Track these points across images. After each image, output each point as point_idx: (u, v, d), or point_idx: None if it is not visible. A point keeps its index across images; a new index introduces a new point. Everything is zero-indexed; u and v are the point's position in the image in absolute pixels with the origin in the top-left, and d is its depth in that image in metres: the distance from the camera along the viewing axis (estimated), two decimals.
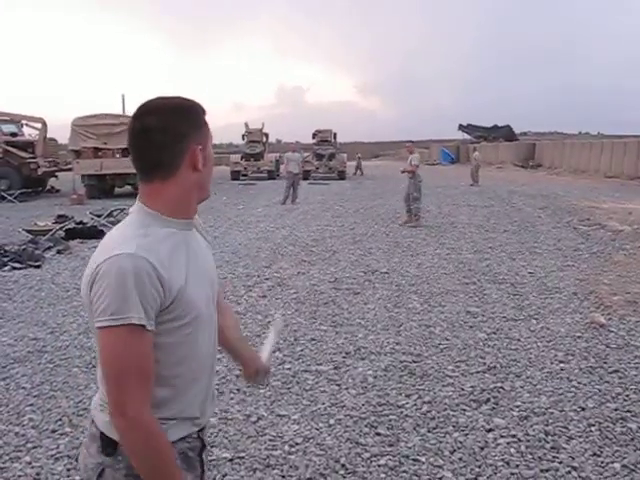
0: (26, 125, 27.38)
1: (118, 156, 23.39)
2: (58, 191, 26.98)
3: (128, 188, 24.35)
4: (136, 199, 1.77)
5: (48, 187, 27.80)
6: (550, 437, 4.13)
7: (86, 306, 1.64)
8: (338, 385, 5.09)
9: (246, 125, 37.61)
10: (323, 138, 37.01)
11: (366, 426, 4.34)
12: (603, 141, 38.26)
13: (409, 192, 14.66)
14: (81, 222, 14.28)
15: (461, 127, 61.71)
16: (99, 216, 14.58)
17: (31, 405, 4.78)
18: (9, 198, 22.62)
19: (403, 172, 15.07)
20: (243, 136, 37.55)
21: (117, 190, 24.83)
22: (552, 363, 5.52)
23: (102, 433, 1.68)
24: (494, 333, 6.38)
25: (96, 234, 13.11)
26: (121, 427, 1.58)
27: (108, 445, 1.66)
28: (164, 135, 1.65)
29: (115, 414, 1.57)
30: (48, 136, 27.11)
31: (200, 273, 1.75)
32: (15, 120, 27.12)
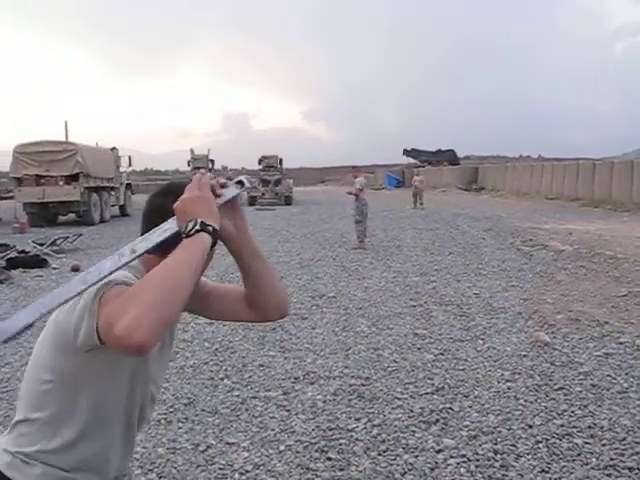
0: None
1: (61, 184, 22.99)
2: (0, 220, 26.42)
3: (72, 216, 23.98)
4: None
5: None
6: (499, 455, 4.16)
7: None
8: (288, 411, 5.05)
9: (192, 151, 37.55)
10: (269, 164, 37.08)
11: (316, 451, 4.31)
12: (544, 164, 39.19)
13: (354, 215, 14.83)
14: (23, 251, 13.95)
15: (406, 152, 62.49)
16: (42, 245, 14.29)
17: None
18: None
19: (349, 193, 15.30)
20: (189, 162, 37.47)
21: (61, 218, 24.41)
22: (499, 382, 5.58)
23: (2, 473, 1.62)
24: (442, 354, 6.43)
25: (38, 263, 12.84)
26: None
27: None
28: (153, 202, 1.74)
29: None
30: None
31: None
32: None
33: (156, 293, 1.37)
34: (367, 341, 6.97)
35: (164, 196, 1.73)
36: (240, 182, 1.69)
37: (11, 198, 24.73)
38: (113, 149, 28.21)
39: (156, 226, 1.61)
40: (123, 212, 28.75)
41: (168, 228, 1.57)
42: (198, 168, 36.17)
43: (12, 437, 1.67)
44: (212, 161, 37.99)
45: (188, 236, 1.49)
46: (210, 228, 1.52)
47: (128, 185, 30.19)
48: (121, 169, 28.98)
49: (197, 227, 1.49)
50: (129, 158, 30.43)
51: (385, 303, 8.81)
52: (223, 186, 1.65)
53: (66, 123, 26.90)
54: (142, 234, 1.64)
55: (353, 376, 5.82)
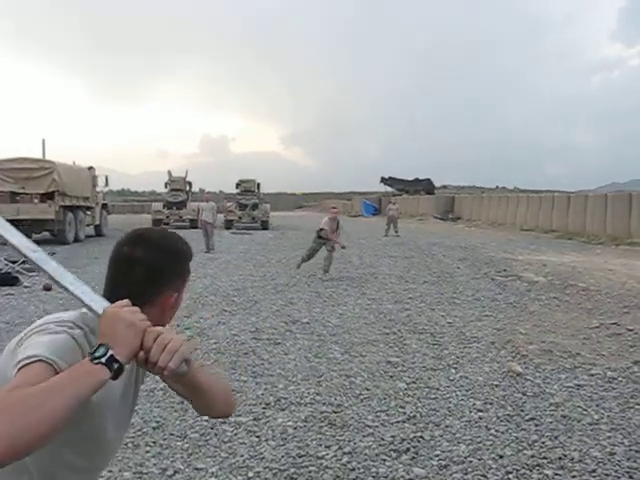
0: None
1: (36, 201, 22.78)
2: None
3: (45, 234, 23.75)
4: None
5: None
6: None
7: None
8: (257, 437, 5.00)
9: (169, 173, 37.41)
10: (246, 188, 37.17)
11: (285, 478, 4.26)
12: (519, 195, 39.62)
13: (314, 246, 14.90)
14: None
15: (383, 180, 62.85)
16: (14, 262, 14.10)
17: None
18: None
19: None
20: (166, 184, 37.31)
21: (34, 236, 24.13)
22: (471, 412, 5.56)
23: None
24: (414, 382, 6.41)
25: (10, 281, 12.68)
26: None
27: None
28: (148, 272, 1.68)
29: None
30: None
31: None
32: None
33: (24, 418, 1.21)
34: (340, 368, 6.93)
35: (131, 247, 1.72)
36: (187, 360, 1.48)
37: None
38: (90, 168, 28.05)
39: (122, 275, 1.68)
40: (98, 232, 28.54)
41: (93, 304, 1.52)
42: (175, 190, 36.11)
43: None
44: (190, 183, 37.87)
45: (92, 360, 1.37)
46: (116, 366, 1.38)
47: (104, 205, 30.03)
48: (97, 189, 28.82)
49: (103, 360, 1.36)
50: (106, 178, 30.28)
51: (359, 330, 8.78)
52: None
53: (43, 141, 26.77)
54: (108, 281, 1.71)
55: (325, 403, 5.78)
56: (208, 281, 13.48)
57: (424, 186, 59.23)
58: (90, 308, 1.53)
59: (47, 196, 22.99)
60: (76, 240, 24.36)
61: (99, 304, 1.52)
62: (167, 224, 34.65)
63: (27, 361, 1.39)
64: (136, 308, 1.49)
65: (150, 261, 1.69)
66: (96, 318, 1.51)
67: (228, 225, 34.43)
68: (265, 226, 34.45)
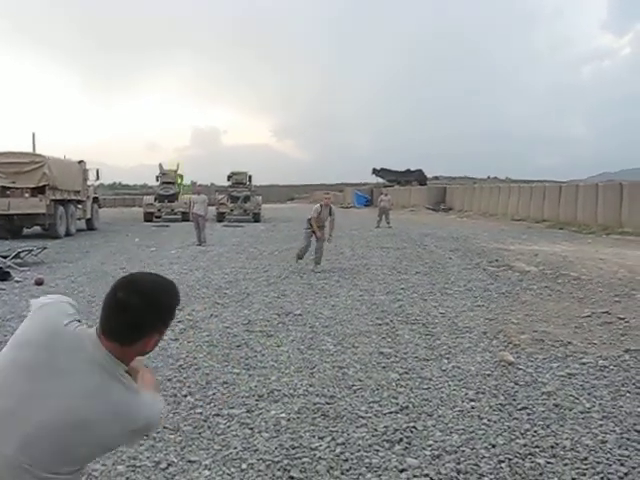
0: None
1: (27, 196, 22.64)
2: None
3: (37, 229, 23.66)
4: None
5: None
6: (462, 475, 4.15)
7: None
8: (251, 429, 5.00)
9: (160, 166, 37.34)
10: (238, 180, 37.08)
11: (279, 470, 4.27)
12: (511, 185, 39.70)
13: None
14: None
15: (375, 171, 62.83)
16: (5, 257, 14.05)
17: None
18: None
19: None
20: (157, 177, 37.23)
21: (25, 231, 24.07)
22: (463, 402, 5.58)
23: None
24: (406, 373, 6.42)
25: (1, 276, 12.63)
26: None
27: None
28: (137, 322, 1.92)
29: None
30: None
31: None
32: None
33: None
34: (332, 359, 6.94)
35: (125, 293, 1.93)
36: None
37: None
38: (81, 162, 27.92)
39: (115, 318, 1.92)
40: (90, 226, 28.46)
41: None
42: (167, 183, 36.04)
43: None
44: (181, 176, 37.82)
45: None
46: None
47: (95, 199, 29.91)
48: (88, 182, 28.70)
49: None
50: (97, 171, 30.17)
51: (351, 321, 8.79)
52: None
53: (34, 135, 26.58)
54: (103, 320, 1.93)
55: (317, 394, 5.79)
56: (200, 274, 13.47)
57: (416, 177, 59.28)
58: None
59: (38, 190, 22.85)
60: (67, 234, 24.25)
61: None
62: (159, 217, 34.61)
63: None
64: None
65: (140, 313, 1.92)
66: None
67: (220, 218, 34.37)
68: (257, 218, 34.42)
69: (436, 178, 70.65)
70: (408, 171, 61.45)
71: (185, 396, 5.76)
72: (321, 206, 14.40)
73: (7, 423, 1.80)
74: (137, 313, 1.90)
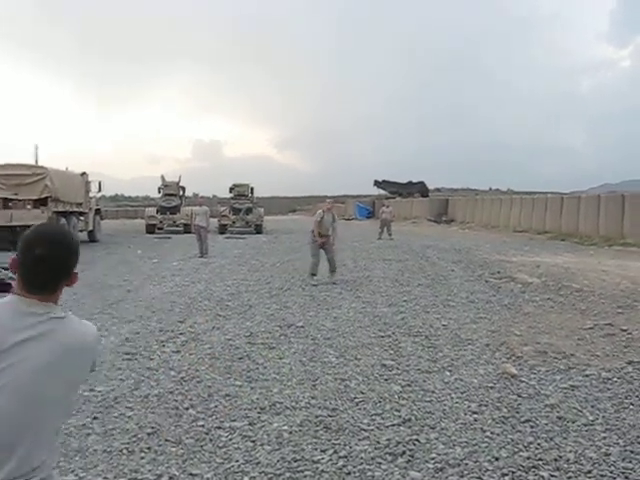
0: None
1: (29, 207, 22.68)
2: None
3: None
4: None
5: None
6: None
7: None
8: (253, 441, 4.99)
9: (162, 178, 37.41)
10: (240, 192, 37.12)
11: None
12: (513, 197, 39.69)
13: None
14: None
15: (377, 183, 62.87)
16: (6, 269, 14.02)
17: None
18: None
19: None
20: (159, 189, 37.28)
21: None
22: (466, 414, 5.56)
23: None
24: (409, 385, 6.41)
25: (3, 287, 12.60)
26: None
27: None
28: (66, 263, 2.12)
29: None
30: None
31: None
32: None
33: None
34: (334, 372, 6.93)
35: (41, 249, 2.07)
36: None
37: None
38: (83, 174, 27.99)
39: (42, 271, 2.06)
40: (92, 238, 28.45)
41: None
42: (169, 195, 36.09)
43: None
44: (183, 188, 37.87)
45: None
46: None
47: (97, 210, 29.95)
48: (90, 194, 28.76)
49: None
50: (99, 183, 30.23)
51: (353, 333, 8.78)
52: None
53: (36, 147, 26.69)
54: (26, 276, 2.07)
55: (320, 407, 5.77)
56: (202, 286, 13.46)
57: (418, 189, 59.27)
58: None
59: (40, 202, 22.90)
60: None
61: None
62: (161, 229, 34.61)
63: None
64: None
65: (63, 261, 2.10)
66: None
67: (222, 229, 34.39)
68: (259, 230, 34.44)
69: (438, 190, 70.73)
70: (410, 183, 61.46)
71: (187, 409, 5.74)
72: (323, 211, 14.34)
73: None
74: (61, 261, 2.09)
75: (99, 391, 6.19)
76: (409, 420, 5.42)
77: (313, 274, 14.16)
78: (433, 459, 4.61)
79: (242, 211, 35.03)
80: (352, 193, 74.30)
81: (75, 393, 2.18)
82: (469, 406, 5.78)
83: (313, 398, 6.02)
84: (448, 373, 6.85)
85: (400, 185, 61.76)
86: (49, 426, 2.02)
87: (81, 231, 26.96)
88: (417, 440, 4.97)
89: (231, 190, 37.77)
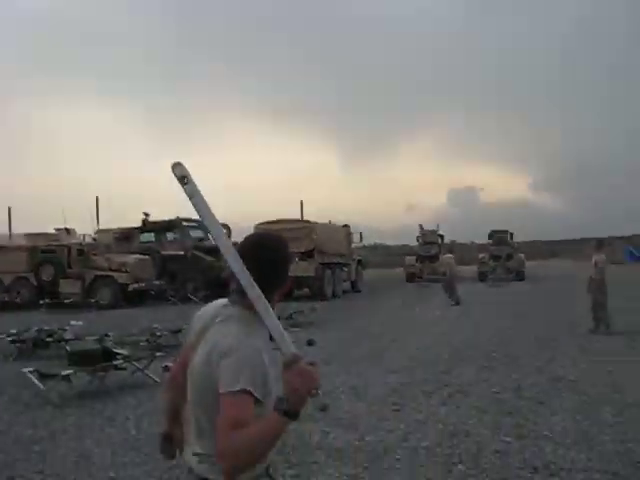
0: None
1: (297, 260, 24.14)
2: None
3: (306, 290, 24.98)
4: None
5: (231, 289, 29.20)
6: None
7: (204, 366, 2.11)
8: None
9: (420, 227, 37.94)
10: (500, 239, 36.60)
11: None
12: None
13: (594, 297, 13.50)
14: None
15: None
16: (279, 318, 14.92)
17: None
18: (195, 299, 23.94)
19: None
20: (417, 238, 37.86)
21: (296, 292, 25.51)
22: None
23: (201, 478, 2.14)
24: None
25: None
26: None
27: None
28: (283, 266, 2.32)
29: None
30: (232, 241, 28.67)
31: None
32: (202, 226, 29.06)
33: (247, 459, 1.93)
34: (612, 431, 6.44)
35: (274, 251, 2.28)
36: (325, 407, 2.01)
37: None
38: (345, 226, 29.28)
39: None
40: (354, 287, 29.51)
41: (283, 345, 1.99)
42: (428, 243, 36.45)
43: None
44: (441, 236, 38.07)
45: (276, 410, 1.89)
46: (294, 417, 1.90)
47: (359, 261, 31.04)
48: (352, 245, 29.93)
49: (283, 411, 1.88)
50: (360, 234, 31.47)
51: (634, 389, 8.12)
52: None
53: (302, 202, 28.44)
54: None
55: (599, 470, 5.38)
56: (465, 335, 13.33)
57: None
58: (280, 348, 1.99)
59: (307, 254, 24.29)
60: (334, 295, 25.37)
61: (288, 347, 1.97)
62: (420, 277, 34.97)
63: (235, 389, 1.94)
64: (308, 368, 1.93)
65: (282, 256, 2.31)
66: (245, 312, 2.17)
67: (482, 277, 34.01)
68: (521, 277, 33.53)
69: None
70: None
71: (455, 464, 5.66)
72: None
73: None
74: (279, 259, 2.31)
75: (368, 441, 6.32)
76: None
77: (607, 326, 13.30)
78: None
79: (502, 258, 34.44)
80: (620, 234, 69.75)
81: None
82: None
83: (590, 460, 5.64)
84: None
85: None
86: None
87: (344, 281, 28.07)
88: None
89: (490, 236, 37.41)
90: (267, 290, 2.12)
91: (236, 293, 2.23)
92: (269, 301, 2.10)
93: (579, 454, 5.80)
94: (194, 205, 2.06)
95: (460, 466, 5.59)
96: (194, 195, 2.05)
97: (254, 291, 2.05)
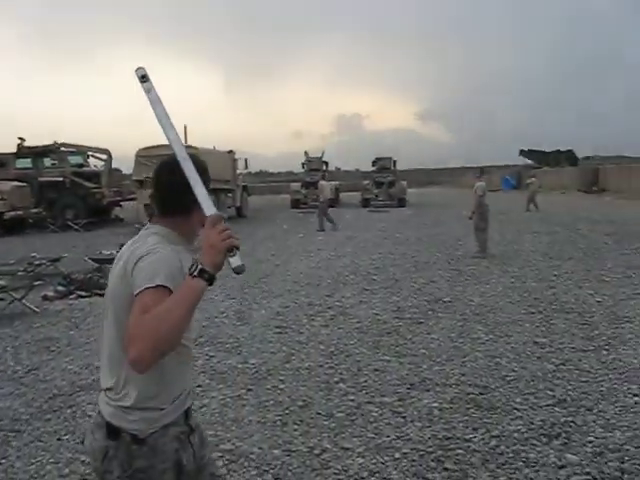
0: (92, 156, 28.19)
1: None
2: (122, 220, 27.60)
3: None
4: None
5: (112, 216, 28.52)
6: (627, 475, 3.95)
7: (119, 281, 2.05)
8: (403, 417, 5.00)
9: (306, 154, 37.99)
10: (383, 166, 37.18)
11: (433, 460, 4.24)
12: None
13: (476, 222, 14.05)
14: None
15: (522, 152, 61.09)
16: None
17: None
18: (75, 227, 23.23)
19: (470, 218, 14.34)
20: (303, 164, 37.94)
21: None
22: (626, 396, 5.31)
23: (107, 422, 2.07)
24: (563, 364, 6.19)
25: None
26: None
27: (112, 432, 2.05)
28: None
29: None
30: (113, 167, 27.84)
31: None
32: (81, 151, 27.99)
33: (159, 331, 1.74)
34: (485, 348, 6.80)
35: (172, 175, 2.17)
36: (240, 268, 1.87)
37: (134, 199, 25.74)
38: (230, 152, 28.86)
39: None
40: (240, 213, 29.39)
41: (205, 206, 1.97)
42: (313, 170, 36.60)
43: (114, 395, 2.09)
44: (326, 163, 38.29)
45: (191, 275, 1.81)
46: (206, 275, 1.81)
47: (244, 187, 30.84)
48: (237, 171, 29.64)
49: (195, 273, 1.80)
50: (245, 160, 31.13)
51: (503, 309, 8.58)
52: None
53: (185, 127, 27.71)
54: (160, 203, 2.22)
55: (470, 384, 5.69)
56: (347, 260, 13.60)
57: (566, 157, 57.00)
58: (203, 209, 1.96)
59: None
60: None
61: (209, 209, 1.96)
62: (305, 204, 35.21)
63: (151, 285, 1.86)
64: (221, 227, 1.88)
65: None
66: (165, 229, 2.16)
67: (365, 203, 34.64)
68: (402, 203, 34.30)
69: (588, 158, 67.57)
70: (557, 152, 59.22)
71: (337, 382, 5.83)
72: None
73: None
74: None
75: (252, 363, 6.41)
76: (564, 401, 5.24)
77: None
78: (591, 442, 4.43)
79: (385, 184, 35.05)
80: (497, 163, 72.39)
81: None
82: (629, 388, 5.50)
83: (463, 375, 5.95)
84: (605, 352, 6.56)
85: (547, 154, 59.65)
86: None
87: (229, 207, 27.87)
88: (573, 422, 4.79)
89: (374, 164, 37.92)
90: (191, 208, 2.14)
91: (157, 215, 2.22)
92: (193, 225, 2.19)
93: (452, 370, 6.10)
94: (150, 102, 2.01)
95: (341, 384, 5.77)
96: (150, 90, 2.01)
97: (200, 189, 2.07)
